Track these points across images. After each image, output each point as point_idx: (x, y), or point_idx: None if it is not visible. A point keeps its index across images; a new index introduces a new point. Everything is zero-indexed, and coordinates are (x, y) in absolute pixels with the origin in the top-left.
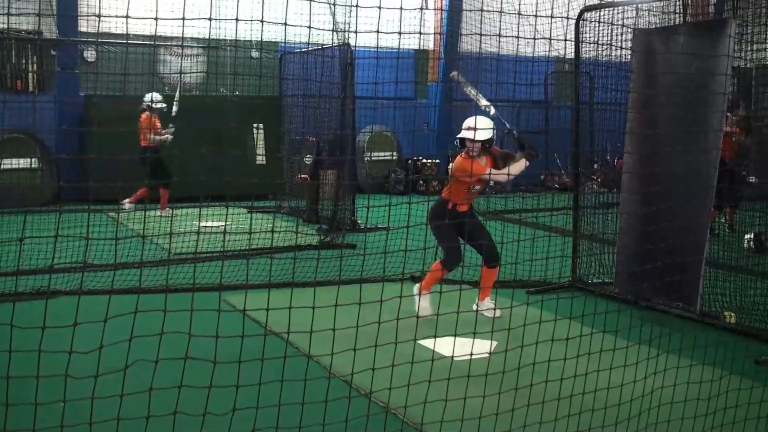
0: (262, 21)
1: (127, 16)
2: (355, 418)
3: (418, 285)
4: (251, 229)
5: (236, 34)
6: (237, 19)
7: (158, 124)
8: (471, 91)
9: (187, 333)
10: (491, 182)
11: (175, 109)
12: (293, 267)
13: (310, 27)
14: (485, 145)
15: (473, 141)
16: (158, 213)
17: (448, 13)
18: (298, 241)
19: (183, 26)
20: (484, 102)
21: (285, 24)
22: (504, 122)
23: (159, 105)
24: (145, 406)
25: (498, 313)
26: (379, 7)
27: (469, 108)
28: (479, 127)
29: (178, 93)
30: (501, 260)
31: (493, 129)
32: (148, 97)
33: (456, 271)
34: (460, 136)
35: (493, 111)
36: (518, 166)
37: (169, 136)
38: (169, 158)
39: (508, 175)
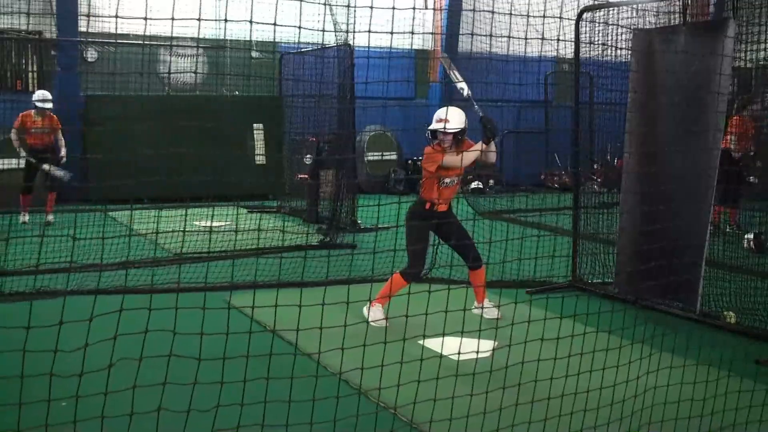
0: (271, 24)
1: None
2: (344, 418)
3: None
4: (239, 228)
5: (250, 34)
6: (251, 21)
7: (39, 124)
8: (453, 73)
9: (172, 331)
10: (490, 181)
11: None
12: (280, 266)
13: (305, 28)
14: (457, 137)
15: (444, 133)
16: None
17: (447, 13)
18: (298, 241)
19: (199, 26)
20: (460, 84)
21: (282, 25)
22: (474, 105)
23: (47, 105)
24: (129, 403)
25: (497, 313)
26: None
27: (469, 108)
28: (450, 118)
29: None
30: (485, 259)
31: (464, 123)
32: (36, 96)
33: (454, 270)
34: (430, 127)
35: (467, 93)
36: (470, 154)
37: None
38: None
39: (461, 164)
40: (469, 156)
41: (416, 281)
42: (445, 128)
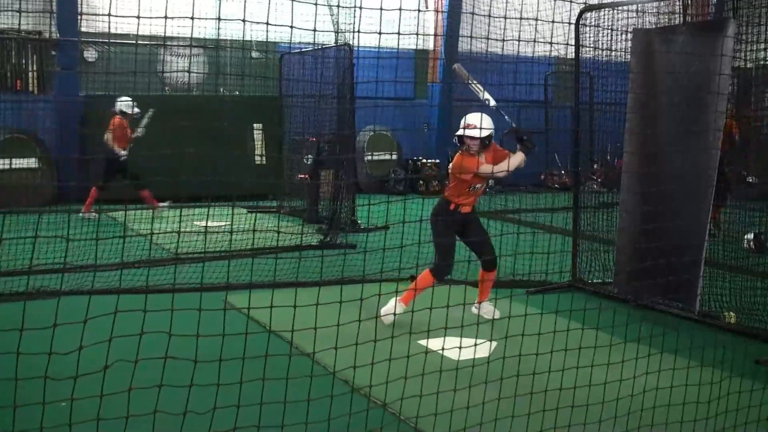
0: (267, 23)
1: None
2: (338, 417)
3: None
4: (236, 229)
5: (244, 34)
6: (244, 20)
7: (129, 130)
8: (473, 84)
9: (168, 332)
10: (491, 181)
11: (146, 120)
12: (275, 266)
13: (294, 29)
14: (484, 142)
15: (472, 138)
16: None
17: (447, 14)
18: (298, 241)
19: (194, 26)
20: (485, 95)
21: (278, 24)
22: (504, 116)
23: (134, 110)
24: (125, 406)
25: (497, 314)
26: (381, 9)
27: (469, 107)
28: (477, 124)
29: (151, 111)
30: (498, 263)
31: (492, 128)
32: (121, 102)
33: (457, 270)
34: (458, 133)
35: (493, 103)
36: (515, 160)
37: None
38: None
39: (508, 170)
40: (514, 164)
41: (444, 276)
42: (464, 132)
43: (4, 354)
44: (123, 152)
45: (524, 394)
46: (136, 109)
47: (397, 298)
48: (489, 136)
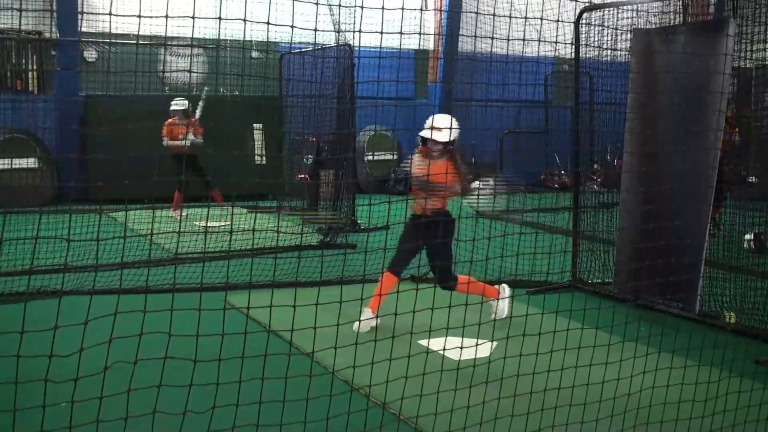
0: (268, 23)
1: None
2: (336, 416)
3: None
4: (236, 230)
5: (245, 33)
6: (245, 20)
7: (183, 130)
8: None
9: (168, 333)
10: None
11: (199, 111)
12: (274, 266)
13: (294, 28)
14: (447, 146)
15: (435, 142)
16: (170, 213)
17: (447, 14)
18: (298, 241)
19: (193, 26)
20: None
21: (278, 24)
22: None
23: (181, 107)
24: (125, 406)
25: (498, 313)
26: (382, 8)
27: (469, 108)
28: (442, 127)
29: (204, 93)
30: (455, 282)
31: (458, 133)
32: (175, 103)
33: (457, 270)
34: (422, 134)
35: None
36: (468, 182)
37: (198, 139)
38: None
39: (427, 175)
40: (464, 184)
41: (398, 275)
42: (430, 134)
43: (5, 357)
44: (188, 141)
45: (524, 393)
46: (177, 107)
47: (367, 307)
48: (452, 141)
